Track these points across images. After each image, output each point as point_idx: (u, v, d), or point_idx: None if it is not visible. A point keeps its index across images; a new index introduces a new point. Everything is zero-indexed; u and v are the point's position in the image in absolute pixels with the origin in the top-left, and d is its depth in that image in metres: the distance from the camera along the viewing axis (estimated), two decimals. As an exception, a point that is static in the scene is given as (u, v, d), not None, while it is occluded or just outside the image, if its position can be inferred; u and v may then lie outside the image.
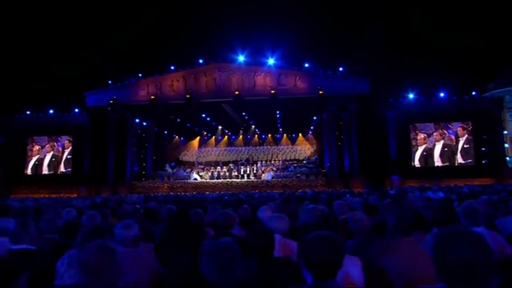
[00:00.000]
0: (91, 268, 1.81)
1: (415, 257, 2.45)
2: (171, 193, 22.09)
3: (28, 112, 27.15)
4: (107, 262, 1.82)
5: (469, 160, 24.21)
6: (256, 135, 32.64)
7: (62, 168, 27.03)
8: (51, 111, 27.17)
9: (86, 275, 1.83)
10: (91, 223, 3.60)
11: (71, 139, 27.04)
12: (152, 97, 23.24)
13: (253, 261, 2.44)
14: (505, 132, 28.16)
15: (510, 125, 34.30)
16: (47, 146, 27.17)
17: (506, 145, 26.59)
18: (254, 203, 6.54)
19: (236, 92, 22.32)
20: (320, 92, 21.75)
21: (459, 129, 24.57)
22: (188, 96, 22.61)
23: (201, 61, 24.20)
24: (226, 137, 33.03)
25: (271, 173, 25.95)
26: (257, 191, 20.67)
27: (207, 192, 20.78)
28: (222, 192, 19.02)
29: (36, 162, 27.10)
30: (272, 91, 22.13)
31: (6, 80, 28.86)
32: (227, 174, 26.29)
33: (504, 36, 36.75)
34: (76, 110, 26.86)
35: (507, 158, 25.95)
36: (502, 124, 25.89)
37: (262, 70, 23.58)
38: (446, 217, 2.86)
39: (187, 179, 25.95)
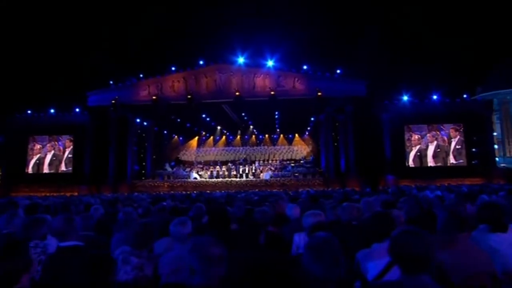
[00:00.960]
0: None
1: (471, 252, 2.49)
2: (172, 191, 22.55)
3: (29, 111, 27.30)
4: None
5: (461, 161, 25.04)
6: (253, 135, 33.17)
7: (62, 167, 27.24)
8: (52, 111, 27.37)
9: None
10: (129, 219, 3.71)
11: (71, 138, 27.23)
12: (154, 97, 23.64)
13: None
14: (495, 133, 29.07)
15: (497, 127, 35.41)
16: (48, 145, 27.36)
17: (496, 146, 27.47)
18: (273, 200, 7.01)
19: (237, 93, 22.83)
20: (319, 93, 22.35)
21: (451, 130, 25.38)
22: (189, 96, 23.05)
23: (201, 62, 24.68)
24: (224, 137, 33.51)
25: (270, 172, 26.52)
26: (257, 190, 21.28)
27: (207, 191, 21.23)
28: (227, 191, 19.53)
29: (37, 161, 27.28)
30: (272, 92, 22.69)
31: (7, 79, 28.96)
32: (226, 173, 26.79)
33: (492, 40, 37.91)
34: (77, 109, 27.08)
35: (497, 159, 26.83)
36: (492, 126, 26.78)
37: (261, 72, 24.14)
38: (491, 214, 2.99)
39: (187, 178, 26.38)
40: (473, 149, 25.18)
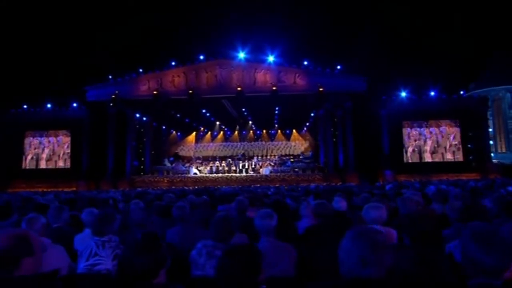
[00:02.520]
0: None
1: None
2: (173, 187, 22.53)
3: (25, 106, 26.90)
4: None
5: (457, 156, 25.49)
6: (251, 131, 33.20)
7: (60, 163, 26.95)
8: (48, 105, 26.99)
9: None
10: (182, 214, 3.71)
11: (69, 133, 26.93)
12: (155, 92, 23.48)
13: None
14: (490, 129, 29.67)
15: (490, 123, 36.14)
16: (44, 140, 27.02)
17: (491, 142, 28.05)
18: (296, 194, 7.10)
19: (239, 88, 22.81)
20: (321, 89, 22.49)
21: (448, 126, 25.81)
22: (190, 91, 22.95)
23: (201, 57, 24.58)
24: (222, 132, 33.47)
25: (269, 167, 26.61)
26: (258, 185, 21.39)
27: (210, 186, 21.21)
28: (230, 186, 19.57)
29: (34, 156, 26.93)
30: (274, 88, 22.74)
31: (3, 73, 28.44)
32: (226, 168, 26.80)
33: (486, 38, 38.56)
34: (75, 104, 26.75)
35: (492, 154, 27.40)
36: (487, 122, 27.30)
37: (262, 67, 24.16)
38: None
39: (186, 174, 26.32)
40: (469, 145, 25.66)
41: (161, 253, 1.86)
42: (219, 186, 21.51)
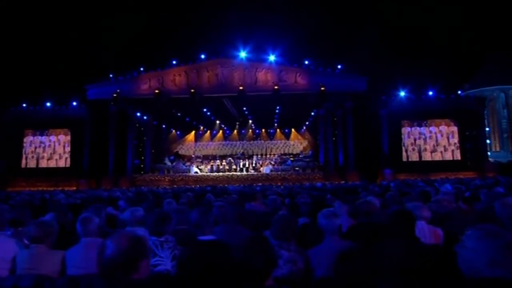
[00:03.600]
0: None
1: None
2: (175, 186, 22.58)
3: (24, 105, 26.73)
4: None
5: (455, 155, 25.82)
6: (250, 130, 33.29)
7: (60, 161, 26.86)
8: (48, 104, 26.85)
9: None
10: (224, 213, 3.76)
11: (69, 132, 26.84)
12: (157, 91, 23.48)
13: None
14: (487, 129, 30.06)
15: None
16: (45, 139, 26.91)
17: (488, 141, 28.43)
18: (316, 194, 7.24)
19: (240, 88, 22.90)
20: (322, 88, 22.66)
21: (446, 126, 26.12)
22: (192, 90, 22.99)
23: (203, 56, 24.60)
24: (221, 131, 33.51)
25: (269, 166, 26.75)
26: (260, 184, 21.50)
27: (212, 184, 21.26)
28: (232, 185, 19.65)
29: (35, 155, 26.81)
30: (276, 87, 22.86)
31: (1, 71, 28.22)
32: (226, 167, 26.90)
33: (481, 39, 39.03)
34: (74, 103, 26.64)
35: (489, 153, 27.77)
36: (484, 122, 27.66)
37: (263, 66, 24.25)
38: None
39: (187, 173, 26.37)
40: (467, 144, 25.98)
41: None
42: (221, 185, 21.60)
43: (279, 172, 25.76)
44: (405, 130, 26.29)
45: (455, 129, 26.08)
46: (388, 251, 2.40)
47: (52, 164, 26.86)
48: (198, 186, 21.07)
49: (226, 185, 18.38)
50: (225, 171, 26.53)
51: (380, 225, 2.95)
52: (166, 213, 2.96)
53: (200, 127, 32.40)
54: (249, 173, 26.20)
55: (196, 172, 26.26)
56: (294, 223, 2.81)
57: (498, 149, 35.01)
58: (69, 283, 2.68)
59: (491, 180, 12.78)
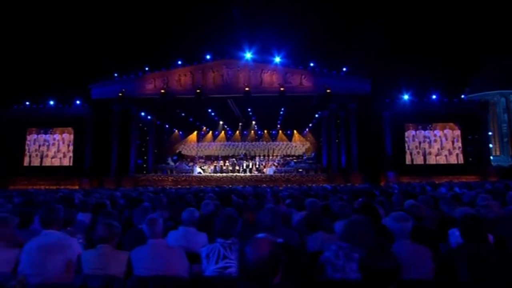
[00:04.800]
0: None
1: None
2: (179, 186, 22.52)
3: (27, 103, 26.56)
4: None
5: (458, 159, 25.97)
6: (252, 131, 33.27)
7: (62, 160, 26.71)
8: (51, 102, 26.70)
9: None
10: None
11: (72, 131, 26.70)
12: (162, 91, 23.43)
13: None
14: (490, 133, 30.26)
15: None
16: (46, 137, 26.75)
17: (491, 145, 28.62)
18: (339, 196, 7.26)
19: (246, 88, 22.91)
20: (328, 90, 22.74)
21: (449, 129, 26.27)
22: (198, 91, 22.98)
23: (208, 56, 24.61)
24: (223, 132, 33.47)
25: (273, 168, 26.76)
26: (264, 185, 21.50)
27: (217, 185, 21.22)
28: (236, 186, 19.62)
29: (36, 154, 26.64)
30: (282, 88, 22.91)
31: (4, 69, 28.02)
32: (230, 168, 26.87)
33: (482, 41, 39.37)
34: (78, 102, 26.50)
35: (491, 157, 27.96)
36: (487, 126, 27.83)
37: (269, 68, 24.30)
38: None
39: (190, 173, 26.31)
40: (469, 148, 26.12)
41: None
42: (225, 185, 21.56)
43: (283, 174, 25.77)
44: (410, 133, 26.40)
45: (458, 132, 26.22)
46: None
47: (56, 162, 26.70)
48: (201, 186, 21.06)
49: (236, 186, 18.35)
50: (228, 172, 26.50)
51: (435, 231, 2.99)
52: (234, 215, 2.94)
53: (202, 127, 32.34)
54: (252, 174, 26.18)
55: (200, 173, 26.21)
56: (368, 228, 2.75)
57: (498, 153, 35.25)
58: (139, 284, 2.67)
59: (499, 185, 12.85)
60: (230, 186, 20.26)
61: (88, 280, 2.70)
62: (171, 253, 2.78)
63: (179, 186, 21.81)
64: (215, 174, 25.99)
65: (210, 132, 33.27)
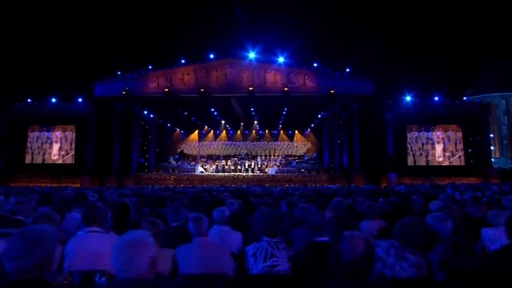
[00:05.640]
0: None
1: None
2: (182, 185, 22.47)
3: (29, 100, 26.44)
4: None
5: (459, 160, 26.07)
6: (254, 131, 33.24)
7: (64, 158, 26.62)
8: (53, 100, 26.58)
9: None
10: (306, 215, 3.72)
11: (74, 128, 26.60)
12: (166, 89, 23.39)
13: None
14: (492, 135, 30.39)
15: (486, 129, 36.98)
16: (48, 135, 26.65)
17: (492, 147, 28.75)
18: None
19: (250, 88, 22.91)
20: (332, 91, 22.77)
21: (451, 131, 26.38)
22: (202, 90, 22.96)
23: (212, 56, 24.60)
24: (224, 131, 33.43)
25: (275, 167, 26.79)
26: (267, 185, 21.50)
27: (218, 185, 21.20)
28: (240, 185, 19.61)
29: (37, 151, 26.53)
30: (286, 89, 22.92)
31: (7, 66, 27.88)
32: (232, 167, 26.87)
33: (483, 44, 39.59)
34: (80, 100, 26.40)
35: (493, 159, 28.09)
36: (489, 128, 27.95)
37: (272, 68, 24.34)
38: None
39: (192, 172, 26.29)
40: (470, 150, 26.22)
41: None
42: (227, 185, 21.54)
43: (285, 174, 25.80)
44: (413, 134, 26.47)
45: (459, 134, 26.33)
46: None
47: (57, 160, 26.62)
48: (204, 185, 21.04)
49: (240, 186, 18.36)
50: (230, 172, 26.50)
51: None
52: (280, 214, 2.94)
53: (204, 127, 32.29)
54: (255, 174, 26.19)
55: (202, 172, 26.20)
56: (424, 227, 2.78)
57: (498, 155, 35.42)
58: (189, 282, 2.66)
59: (507, 187, 12.97)
60: (234, 185, 20.30)
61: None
62: (218, 251, 2.77)
63: (182, 185, 21.80)
64: (217, 174, 25.99)
65: (212, 131, 33.21)
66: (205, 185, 21.65)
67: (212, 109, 26.90)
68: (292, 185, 20.69)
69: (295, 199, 5.63)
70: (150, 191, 11.41)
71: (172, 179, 25.19)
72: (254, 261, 2.72)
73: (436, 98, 26.60)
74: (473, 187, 12.83)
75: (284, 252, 2.73)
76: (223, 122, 31.53)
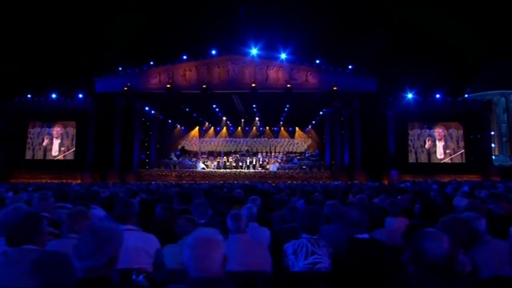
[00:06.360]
0: None
1: None
2: (184, 181, 22.41)
3: (29, 96, 26.23)
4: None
5: (462, 158, 26.16)
6: (254, 127, 33.17)
7: (64, 154, 26.48)
8: (53, 96, 26.38)
9: None
10: (337, 212, 3.78)
11: (74, 124, 26.45)
12: (168, 86, 23.27)
13: None
14: (492, 132, 30.50)
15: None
16: (48, 131, 26.49)
17: (493, 145, 28.86)
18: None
19: (253, 85, 22.83)
20: (334, 88, 22.74)
21: (452, 128, 26.44)
22: (204, 86, 22.85)
23: (214, 52, 24.46)
24: (225, 128, 33.33)
25: (276, 164, 26.80)
26: (269, 181, 21.49)
27: (220, 181, 21.17)
28: (245, 182, 19.58)
29: (37, 147, 26.38)
30: (288, 85, 22.86)
31: (6, 61, 27.62)
32: (233, 164, 26.84)
33: (485, 42, 39.70)
34: (80, 95, 26.22)
35: (493, 157, 28.20)
36: (490, 125, 28.03)
37: (274, 64, 24.22)
38: None
39: (193, 168, 26.23)
40: (471, 147, 26.30)
41: None
42: (230, 181, 21.51)
43: (286, 170, 25.81)
44: (415, 132, 26.50)
45: (460, 132, 26.40)
46: None
47: (58, 156, 26.48)
48: (206, 181, 21.01)
49: (244, 182, 18.31)
50: (231, 168, 26.47)
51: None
52: (318, 211, 2.90)
53: (205, 123, 32.19)
54: (256, 170, 26.18)
55: (203, 168, 26.15)
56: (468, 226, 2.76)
57: (497, 153, 35.61)
58: (235, 279, 2.63)
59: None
60: (235, 182, 20.28)
61: (174, 275, 2.66)
62: (258, 248, 2.74)
63: (184, 181, 21.76)
64: (219, 170, 25.96)
65: (212, 127, 33.10)
66: (206, 181, 21.64)
67: (214, 106, 26.78)
68: (295, 182, 20.71)
69: (318, 196, 5.57)
70: (156, 188, 11.40)
71: (173, 175, 25.12)
72: (295, 259, 2.68)
73: (438, 96, 26.62)
74: (480, 185, 12.81)
75: (325, 249, 2.70)
76: (224, 118, 31.42)
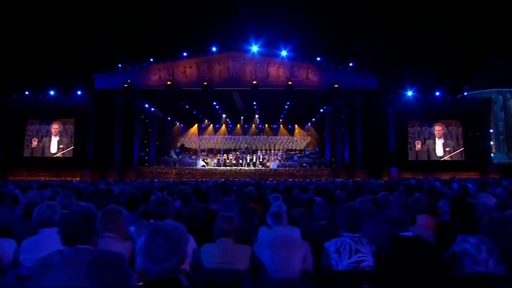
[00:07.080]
0: None
1: None
2: (185, 179, 22.31)
3: (27, 92, 25.93)
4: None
5: (461, 155, 26.26)
6: (253, 125, 33.08)
7: (63, 151, 26.26)
8: (52, 92, 26.10)
9: None
10: (369, 209, 3.81)
11: (73, 122, 26.22)
12: (169, 83, 23.11)
13: None
14: (491, 130, 30.65)
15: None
16: (47, 128, 26.24)
17: (492, 143, 29.00)
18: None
19: (254, 82, 22.75)
20: (336, 85, 22.71)
21: (452, 126, 26.53)
22: (205, 83, 22.73)
23: (214, 49, 24.33)
24: (224, 125, 33.21)
25: (276, 162, 26.76)
26: (271, 179, 21.45)
27: (221, 178, 21.09)
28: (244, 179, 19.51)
29: (36, 145, 26.13)
30: (290, 83, 22.80)
31: (4, 57, 27.30)
32: (233, 162, 26.76)
33: (483, 40, 39.90)
34: (79, 92, 25.96)
35: (492, 155, 28.35)
36: (489, 123, 28.15)
37: (275, 61, 24.14)
38: None
39: (193, 166, 26.14)
40: (470, 145, 26.41)
41: None
42: (230, 179, 21.44)
43: (287, 168, 25.79)
44: (415, 129, 26.56)
45: (460, 129, 26.50)
46: None
47: (56, 154, 26.25)
48: (207, 179, 20.91)
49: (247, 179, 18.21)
50: (231, 166, 26.40)
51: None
52: (358, 209, 2.85)
53: (204, 120, 32.05)
54: (256, 168, 26.14)
55: (203, 166, 26.05)
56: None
57: (494, 150, 35.81)
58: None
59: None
60: (237, 179, 20.21)
61: (213, 274, 2.61)
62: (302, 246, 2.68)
63: (185, 179, 21.67)
64: (219, 168, 25.89)
65: (211, 125, 32.97)
66: (207, 179, 21.57)
67: (214, 103, 26.66)
68: (297, 180, 20.69)
69: (340, 194, 5.53)
70: (162, 185, 11.27)
71: (173, 172, 25.03)
72: (338, 257, 2.63)
73: (438, 93, 26.68)
74: (482, 182, 12.84)
75: (368, 247, 2.65)
76: (223, 116, 31.31)
